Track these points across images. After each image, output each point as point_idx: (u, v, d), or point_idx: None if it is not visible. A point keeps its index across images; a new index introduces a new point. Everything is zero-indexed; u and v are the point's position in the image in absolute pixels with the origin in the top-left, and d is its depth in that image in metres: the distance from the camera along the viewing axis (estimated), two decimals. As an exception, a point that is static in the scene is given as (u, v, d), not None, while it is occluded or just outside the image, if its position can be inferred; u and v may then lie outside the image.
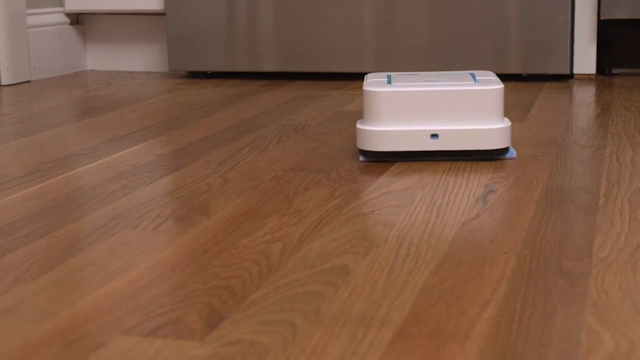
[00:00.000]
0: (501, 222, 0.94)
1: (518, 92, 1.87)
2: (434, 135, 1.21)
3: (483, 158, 1.22)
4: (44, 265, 0.84)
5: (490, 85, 1.22)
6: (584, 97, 1.77)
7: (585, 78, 2.04)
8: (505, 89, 1.90)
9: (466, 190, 1.07)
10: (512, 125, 1.27)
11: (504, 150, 1.22)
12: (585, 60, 2.02)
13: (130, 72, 2.37)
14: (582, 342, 0.65)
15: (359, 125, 1.24)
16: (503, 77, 2.08)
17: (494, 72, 2.01)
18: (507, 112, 1.62)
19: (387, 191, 1.08)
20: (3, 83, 2.15)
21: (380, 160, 1.23)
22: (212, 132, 1.49)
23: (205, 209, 1.02)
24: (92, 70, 2.44)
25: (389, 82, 1.26)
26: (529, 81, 2.02)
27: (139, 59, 2.41)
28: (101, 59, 2.44)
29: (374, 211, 1.00)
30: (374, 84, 1.26)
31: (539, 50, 1.99)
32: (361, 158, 1.24)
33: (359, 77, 2.15)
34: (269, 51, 2.12)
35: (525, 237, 0.89)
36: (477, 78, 1.27)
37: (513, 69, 2.01)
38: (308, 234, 0.92)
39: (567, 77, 2.06)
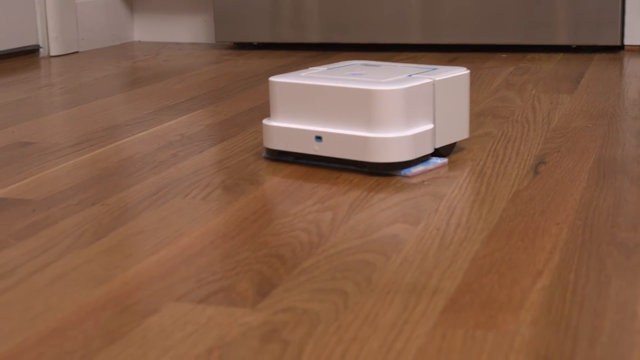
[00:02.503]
0: (552, 193, 0.94)
1: (567, 63, 1.84)
2: (318, 138, 1.04)
3: (373, 172, 1.03)
4: (96, 233, 0.85)
5: (380, 85, 1.02)
6: (635, 69, 1.75)
7: (636, 49, 2.01)
8: (554, 61, 1.88)
9: (516, 161, 1.07)
10: (413, 137, 1.01)
11: (394, 166, 1.01)
12: (636, 31, 1.99)
13: (176, 44, 2.38)
14: (638, 313, 0.64)
15: (264, 120, 1.13)
16: (552, 49, 2.06)
17: (543, 43, 1.99)
18: (557, 83, 1.61)
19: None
20: (52, 54, 2.16)
21: (275, 159, 1.10)
22: (259, 102, 1.49)
23: (254, 178, 1.02)
24: (139, 41, 2.45)
25: (324, 71, 1.12)
26: (579, 53, 1.99)
27: (185, 30, 2.41)
28: (148, 30, 2.45)
29: (423, 182, 0.99)
30: (294, 73, 1.12)
31: (589, 21, 1.96)
32: (264, 154, 1.12)
33: (405, 48, 2.14)
34: (314, 22, 2.12)
35: (577, 208, 0.88)
36: (412, 75, 1.07)
37: (562, 40, 1.99)
38: (358, 204, 0.92)
39: (617, 49, 2.03)
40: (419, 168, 1.02)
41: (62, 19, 2.17)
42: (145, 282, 0.72)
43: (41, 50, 2.16)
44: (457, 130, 1.10)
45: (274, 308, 0.67)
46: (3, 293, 0.71)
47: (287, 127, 1.06)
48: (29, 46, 2.13)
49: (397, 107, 1.01)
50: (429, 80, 1.04)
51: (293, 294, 0.69)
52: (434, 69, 1.11)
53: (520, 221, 0.85)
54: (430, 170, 1.03)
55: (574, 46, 2.02)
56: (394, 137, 1.00)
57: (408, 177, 1.01)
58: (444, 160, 1.06)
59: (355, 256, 0.77)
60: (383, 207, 0.90)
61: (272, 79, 1.09)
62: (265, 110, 1.42)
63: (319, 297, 0.68)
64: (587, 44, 1.97)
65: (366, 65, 1.15)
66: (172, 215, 0.90)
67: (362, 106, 1.02)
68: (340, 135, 1.03)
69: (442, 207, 0.90)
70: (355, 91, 1.02)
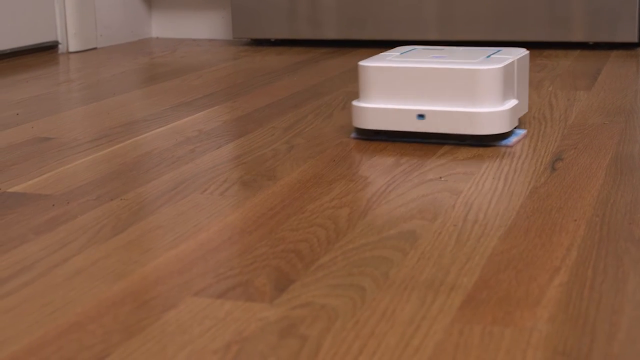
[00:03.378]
0: (570, 189, 0.94)
1: (584, 60, 1.84)
2: (421, 116, 1.13)
3: (474, 144, 1.13)
4: (115, 228, 0.85)
5: (482, 65, 1.12)
6: (653, 66, 1.74)
7: (654, 46, 2.00)
8: (571, 58, 1.88)
9: (533, 158, 1.06)
10: (515, 107, 1.13)
11: (495, 137, 1.13)
12: (655, 28, 1.98)
13: (194, 40, 2.39)
14: (655, 310, 0.64)
15: (353, 102, 1.19)
16: (569, 45, 2.05)
17: (560, 40, 1.98)
18: (574, 80, 1.60)
19: (453, 158, 1.07)
20: (70, 50, 2.17)
21: (369, 138, 1.17)
22: (277, 98, 1.50)
23: (272, 174, 1.03)
24: (157, 37, 2.46)
25: (401, 54, 1.21)
26: (595, 49, 1.99)
27: (203, 26, 2.42)
28: (166, 26, 2.45)
29: (440, 178, 0.99)
30: (379, 58, 1.20)
31: (606, 17, 1.96)
32: (353, 135, 1.19)
33: (422, 44, 2.14)
34: (331, 19, 2.12)
35: (594, 205, 0.88)
36: (491, 55, 1.18)
37: (579, 37, 1.98)
38: (375, 200, 0.92)
39: (634, 46, 2.02)
40: (514, 138, 1.14)
41: (81, 15, 2.18)
42: (163, 276, 0.73)
43: (60, 46, 2.17)
44: (524, 105, 1.22)
45: (292, 303, 0.67)
46: (23, 287, 0.71)
47: (386, 107, 1.14)
48: (47, 42, 2.14)
49: (498, 84, 1.11)
50: (513, 59, 1.15)
51: (311, 290, 0.69)
52: (499, 50, 1.22)
53: (538, 218, 0.85)
54: (520, 140, 1.15)
55: (591, 43, 2.01)
56: (496, 111, 1.11)
57: (509, 146, 1.12)
58: (524, 131, 1.19)
59: (373, 252, 0.77)
60: (400, 203, 0.90)
61: (364, 63, 1.16)
62: (282, 106, 1.42)
63: (336, 292, 0.69)
64: (604, 40, 1.97)
65: (430, 49, 1.24)
66: (190, 210, 0.90)
67: (465, 84, 1.11)
68: (444, 112, 1.12)
69: (459, 203, 0.90)
70: (458, 71, 1.12)
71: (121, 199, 0.94)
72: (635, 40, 1.95)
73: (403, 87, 1.14)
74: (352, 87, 1.59)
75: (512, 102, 1.14)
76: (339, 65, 1.86)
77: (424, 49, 1.26)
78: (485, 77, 1.11)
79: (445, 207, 0.89)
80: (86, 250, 0.79)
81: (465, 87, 1.12)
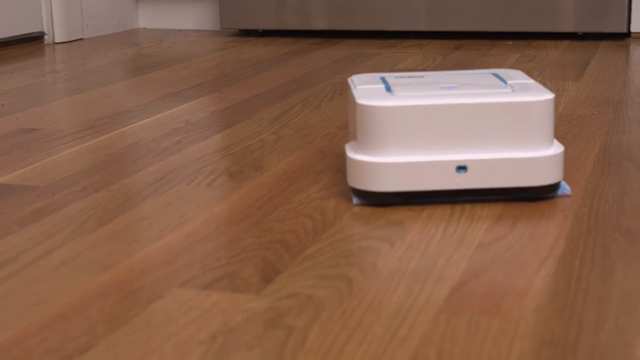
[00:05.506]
0: (558, 180, 0.93)
1: (573, 50, 1.84)
2: (461, 168, 0.87)
3: (527, 197, 0.88)
4: (101, 219, 0.85)
5: (536, 96, 0.87)
6: (641, 56, 1.74)
7: (642, 37, 2.00)
8: (560, 48, 1.88)
9: (522, 148, 1.06)
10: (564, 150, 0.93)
11: (555, 187, 0.88)
12: (643, 18, 1.98)
13: (181, 30, 2.38)
14: (643, 300, 0.64)
15: (351, 154, 0.88)
16: (558, 36, 2.05)
17: (549, 30, 1.98)
18: (563, 70, 1.60)
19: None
20: (56, 40, 2.16)
21: (384, 203, 0.88)
22: (264, 89, 1.49)
23: (259, 165, 1.02)
24: (144, 28, 2.45)
25: (388, 89, 0.91)
26: (585, 40, 1.99)
27: (190, 17, 2.41)
28: (152, 17, 2.44)
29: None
30: (368, 92, 0.90)
31: (595, 8, 1.95)
32: (355, 201, 0.88)
33: (411, 35, 2.13)
34: (320, 9, 2.11)
35: (582, 195, 0.88)
36: (508, 82, 0.92)
37: (568, 27, 1.98)
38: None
39: (624, 36, 2.02)
40: (567, 190, 0.90)
41: (67, 5, 2.17)
42: (149, 268, 0.72)
43: (46, 37, 2.16)
44: None
45: (278, 294, 0.66)
46: (7, 279, 0.71)
47: (409, 161, 0.86)
48: (33, 33, 2.12)
49: (550, 120, 0.88)
50: (552, 95, 0.88)
51: (297, 280, 0.69)
52: (494, 72, 0.98)
53: (525, 208, 0.85)
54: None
55: (580, 33, 2.01)
56: (555, 154, 0.87)
57: (568, 195, 0.89)
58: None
59: (360, 243, 0.77)
60: (388, 194, 0.90)
61: (365, 102, 0.86)
62: (269, 97, 1.42)
63: (323, 283, 0.68)
64: (593, 31, 1.97)
65: (419, 76, 0.96)
66: (177, 201, 0.90)
67: (516, 122, 0.86)
68: (493, 160, 0.86)
69: (447, 193, 0.90)
70: (507, 106, 0.86)
71: (107, 190, 0.94)
72: (625, 30, 1.95)
73: (430, 132, 0.86)
74: (340, 77, 1.59)
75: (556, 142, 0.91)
76: (327, 56, 1.86)
77: (407, 76, 0.97)
78: (540, 111, 0.87)
79: (432, 197, 0.89)
80: (71, 242, 0.79)
81: (516, 126, 0.86)
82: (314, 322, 0.61)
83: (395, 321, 0.61)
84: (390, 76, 0.97)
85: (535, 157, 0.86)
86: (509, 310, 0.63)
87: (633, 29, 1.99)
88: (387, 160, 0.86)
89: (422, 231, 0.79)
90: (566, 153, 1.04)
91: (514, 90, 0.88)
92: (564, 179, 0.93)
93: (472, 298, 0.65)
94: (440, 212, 0.84)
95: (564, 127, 1.16)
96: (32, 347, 0.59)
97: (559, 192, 0.89)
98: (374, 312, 0.63)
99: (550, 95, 0.87)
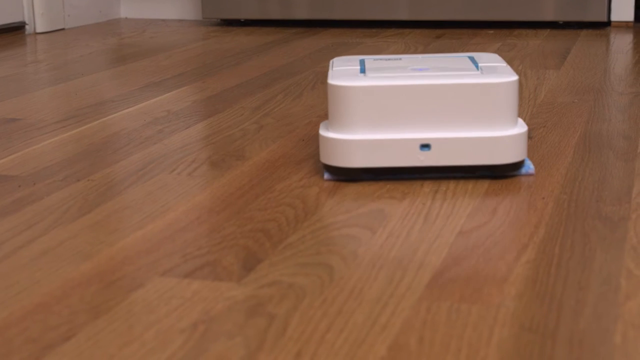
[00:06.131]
0: (538, 167, 0.94)
1: (554, 39, 1.84)
2: (425, 146, 0.89)
3: (490, 175, 0.91)
4: (82, 208, 0.85)
5: (500, 77, 0.89)
6: (622, 45, 1.75)
7: (622, 25, 2.01)
8: (541, 37, 1.88)
9: (503, 137, 1.06)
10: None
11: (519, 165, 0.91)
12: (623, 7, 1.99)
13: (163, 20, 2.37)
14: (622, 286, 0.64)
15: (323, 132, 0.92)
16: (539, 25, 2.06)
17: (530, 19, 1.99)
18: (543, 59, 1.61)
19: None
20: (38, 30, 2.15)
21: (352, 179, 0.91)
22: (246, 79, 1.49)
23: (240, 154, 1.02)
24: (126, 18, 2.44)
25: (362, 71, 0.94)
26: (565, 29, 1.99)
27: (172, 7, 2.40)
28: (134, 7, 2.43)
29: (409, 157, 0.99)
30: (341, 73, 0.93)
31: (576, -3, 1.96)
32: (326, 176, 0.92)
33: (393, 24, 2.13)
34: (302, -2, 2.11)
35: (563, 183, 0.89)
36: (479, 65, 0.94)
37: (549, 16, 1.98)
38: (344, 179, 0.91)
39: (604, 25, 2.03)
40: (530, 168, 0.92)
41: (48, -5, 2.15)
42: (130, 257, 0.72)
43: (27, 27, 2.15)
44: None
45: (260, 282, 0.67)
46: (-12, 268, 0.71)
47: (376, 138, 0.89)
48: (14, 23, 2.11)
49: (514, 101, 0.90)
50: (516, 76, 0.90)
51: (278, 269, 0.69)
52: (470, 55, 1.00)
53: (506, 195, 0.85)
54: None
55: (561, 22, 2.02)
56: (518, 133, 0.89)
57: (531, 174, 0.91)
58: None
59: (341, 231, 0.77)
60: (369, 182, 0.90)
61: (334, 82, 0.90)
62: (251, 86, 1.41)
63: (304, 271, 0.68)
64: (573, 20, 1.97)
65: (397, 59, 0.99)
66: (158, 190, 0.89)
67: (479, 103, 0.88)
68: (456, 139, 0.89)
69: (428, 181, 0.90)
70: (471, 87, 0.88)
71: (88, 180, 0.94)
72: (605, 19, 1.96)
73: (396, 111, 0.89)
74: (322, 66, 1.59)
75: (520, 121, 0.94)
76: (309, 45, 1.85)
77: (386, 58, 1.00)
78: (503, 92, 0.89)
79: (414, 185, 0.89)
80: (52, 231, 0.79)
81: (479, 107, 0.89)
82: (295, 310, 0.62)
83: (376, 308, 0.62)
84: (369, 59, 1.00)
85: (500, 136, 0.89)
86: (489, 297, 0.63)
87: (613, 17, 2.00)
88: (355, 138, 0.89)
89: (403, 219, 0.79)
90: (546, 141, 1.04)
91: (482, 73, 0.91)
92: (545, 166, 0.94)
93: (452, 285, 0.65)
94: (422, 199, 0.84)
95: (544, 115, 1.17)
96: (13, 337, 0.59)
97: (523, 170, 0.91)
98: (355, 300, 0.63)
99: (514, 77, 0.89)
